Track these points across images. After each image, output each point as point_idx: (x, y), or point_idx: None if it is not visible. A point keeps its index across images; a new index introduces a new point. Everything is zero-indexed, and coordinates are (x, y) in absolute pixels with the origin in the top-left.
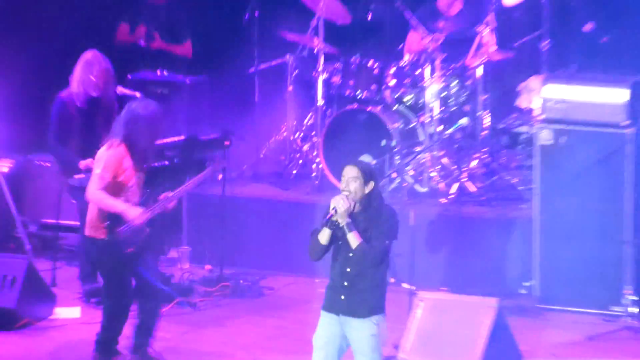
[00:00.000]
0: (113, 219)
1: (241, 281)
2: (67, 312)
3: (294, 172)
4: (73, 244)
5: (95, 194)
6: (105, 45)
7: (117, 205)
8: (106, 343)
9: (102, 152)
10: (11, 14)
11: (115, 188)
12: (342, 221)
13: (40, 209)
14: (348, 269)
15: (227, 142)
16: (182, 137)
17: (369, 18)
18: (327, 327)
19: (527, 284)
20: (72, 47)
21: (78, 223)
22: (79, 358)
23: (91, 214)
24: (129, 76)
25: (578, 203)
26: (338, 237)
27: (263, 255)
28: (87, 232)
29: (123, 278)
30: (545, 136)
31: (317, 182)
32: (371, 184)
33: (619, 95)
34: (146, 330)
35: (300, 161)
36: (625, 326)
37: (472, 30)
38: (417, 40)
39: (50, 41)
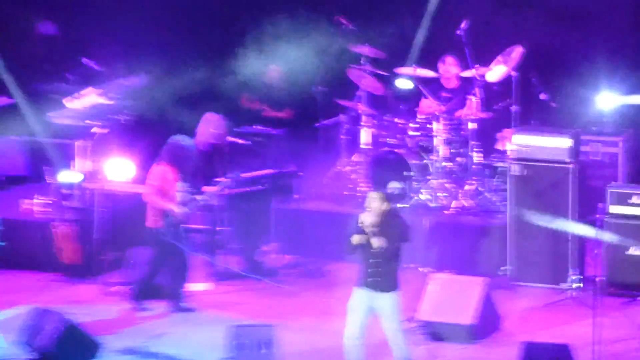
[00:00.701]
0: (164, 214)
1: (310, 267)
2: (198, 286)
3: (345, 193)
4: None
5: (149, 197)
6: (226, 106)
7: (165, 204)
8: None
9: (154, 168)
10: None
11: (163, 192)
12: (367, 229)
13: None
14: (372, 260)
15: (300, 173)
16: (271, 170)
17: (395, 90)
18: (358, 298)
19: (503, 268)
20: (201, 106)
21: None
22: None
23: (149, 211)
24: (237, 129)
25: (538, 213)
26: (366, 240)
27: (324, 248)
28: (147, 223)
29: (164, 253)
30: (515, 169)
31: (360, 200)
32: (388, 204)
33: (564, 141)
34: (180, 289)
35: (350, 186)
36: (570, 297)
37: (465, 98)
38: (428, 105)
39: (187, 104)
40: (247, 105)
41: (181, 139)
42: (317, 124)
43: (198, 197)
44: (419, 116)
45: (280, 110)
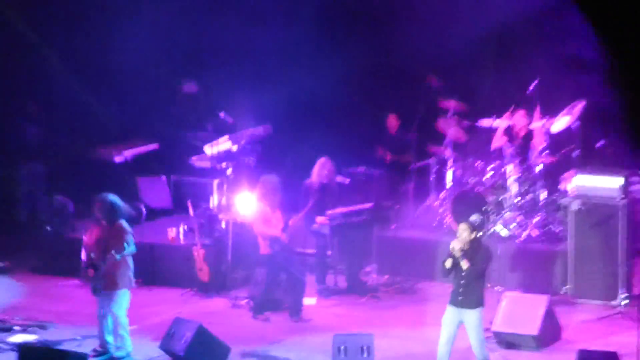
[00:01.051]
0: (273, 240)
1: (404, 285)
2: (307, 300)
3: (434, 223)
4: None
5: (255, 228)
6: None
7: (268, 232)
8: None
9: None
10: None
11: (266, 222)
12: (457, 254)
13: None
14: (462, 282)
15: (397, 206)
16: (371, 204)
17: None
18: (451, 313)
19: (565, 287)
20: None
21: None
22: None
23: (259, 240)
24: (345, 169)
25: (594, 242)
26: (456, 263)
27: (418, 268)
28: (261, 250)
29: (277, 272)
30: (575, 205)
31: (445, 229)
32: (475, 233)
33: (616, 181)
34: (296, 302)
35: (438, 218)
36: (619, 312)
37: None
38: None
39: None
40: (380, 154)
41: (268, 177)
42: (411, 166)
43: (314, 226)
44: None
45: (402, 154)
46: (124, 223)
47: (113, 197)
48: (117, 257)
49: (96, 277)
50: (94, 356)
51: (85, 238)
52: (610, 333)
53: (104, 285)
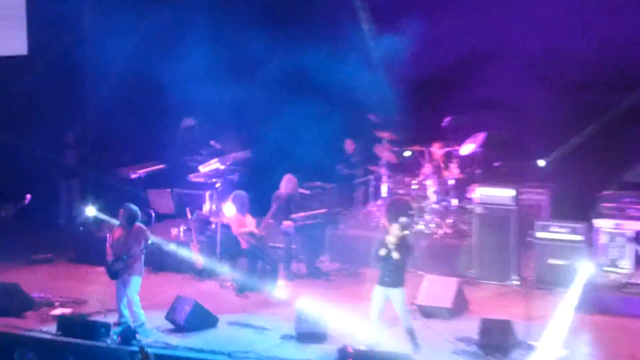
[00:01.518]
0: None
1: (350, 270)
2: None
3: (372, 224)
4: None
5: (234, 230)
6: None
7: (244, 231)
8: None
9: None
10: None
11: (241, 225)
12: (391, 247)
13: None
14: (390, 267)
15: (345, 211)
16: (325, 210)
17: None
18: (380, 291)
19: (471, 271)
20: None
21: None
22: None
23: (239, 238)
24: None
25: (492, 238)
26: (388, 253)
27: (359, 258)
28: (242, 246)
29: (255, 262)
30: (478, 210)
31: (381, 229)
32: (403, 231)
33: (510, 192)
34: (269, 284)
35: (375, 219)
36: (512, 290)
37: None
38: (427, 169)
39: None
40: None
41: (238, 192)
42: (355, 181)
43: (282, 227)
44: (420, 176)
45: (355, 170)
46: (141, 224)
47: (132, 206)
48: (150, 242)
49: (117, 267)
50: (116, 324)
51: (109, 237)
52: (505, 306)
53: (122, 273)
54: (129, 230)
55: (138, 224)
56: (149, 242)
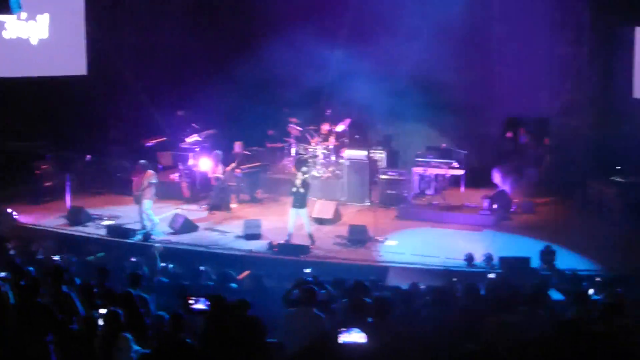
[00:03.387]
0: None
1: (278, 198)
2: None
3: (287, 172)
4: None
5: (209, 173)
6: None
7: (214, 174)
8: None
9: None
10: None
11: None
12: (298, 184)
13: None
14: (298, 196)
15: (268, 164)
16: (259, 164)
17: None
18: (293, 211)
19: (343, 197)
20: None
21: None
22: None
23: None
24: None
25: (354, 178)
26: (296, 188)
27: (280, 191)
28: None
29: (219, 193)
30: (347, 163)
31: (291, 173)
32: (304, 175)
33: (364, 152)
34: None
35: (288, 169)
36: (367, 208)
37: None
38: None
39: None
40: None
41: (215, 151)
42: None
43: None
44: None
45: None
46: (151, 171)
47: (143, 161)
48: (152, 181)
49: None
50: (140, 229)
51: (134, 178)
52: (362, 217)
53: (140, 198)
54: (143, 173)
55: (149, 170)
56: (153, 181)
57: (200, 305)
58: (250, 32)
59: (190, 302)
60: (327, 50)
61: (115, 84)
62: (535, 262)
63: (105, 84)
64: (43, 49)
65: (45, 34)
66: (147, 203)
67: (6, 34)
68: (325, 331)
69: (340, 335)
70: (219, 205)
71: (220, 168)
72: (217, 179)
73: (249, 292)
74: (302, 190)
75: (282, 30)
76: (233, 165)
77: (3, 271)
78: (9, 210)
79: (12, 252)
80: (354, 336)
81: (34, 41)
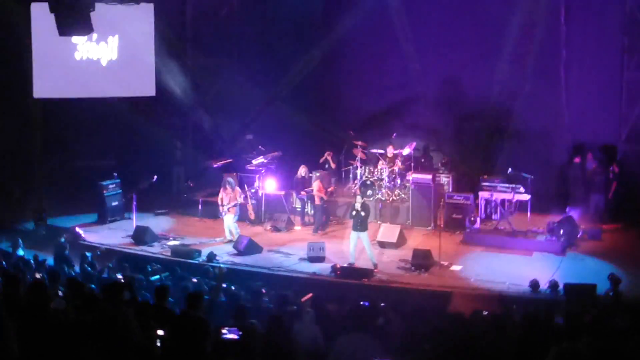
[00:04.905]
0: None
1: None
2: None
3: (352, 194)
4: None
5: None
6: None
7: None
8: None
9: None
10: None
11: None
12: (358, 207)
13: None
14: (359, 219)
15: (334, 188)
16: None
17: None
18: (354, 234)
19: (408, 221)
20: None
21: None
22: None
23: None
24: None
25: (419, 202)
26: (357, 211)
27: (345, 214)
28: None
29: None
30: (412, 186)
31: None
32: (365, 199)
33: (429, 176)
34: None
35: (354, 192)
36: (432, 232)
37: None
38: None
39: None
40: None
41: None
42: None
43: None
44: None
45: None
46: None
47: (232, 178)
48: (240, 201)
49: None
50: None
51: (223, 193)
52: (427, 241)
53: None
54: (232, 189)
55: (238, 188)
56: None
57: (231, 335)
58: (315, 56)
59: (223, 331)
60: (394, 73)
61: (183, 106)
62: (601, 290)
63: (172, 105)
64: (113, 70)
65: (115, 56)
66: (234, 217)
67: (77, 55)
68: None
69: None
70: (282, 227)
71: (323, 189)
72: (322, 199)
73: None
74: (362, 213)
75: (347, 53)
76: (333, 187)
77: (64, 288)
78: (77, 230)
79: (77, 269)
80: None
81: (104, 62)
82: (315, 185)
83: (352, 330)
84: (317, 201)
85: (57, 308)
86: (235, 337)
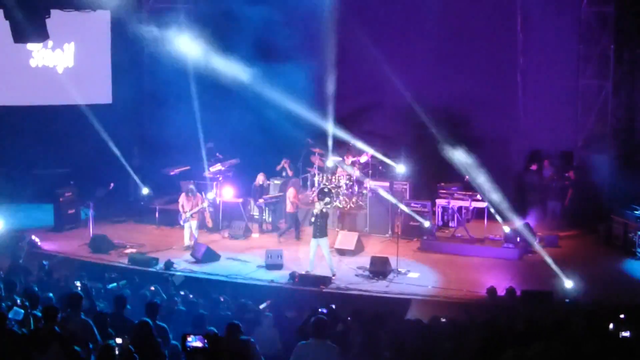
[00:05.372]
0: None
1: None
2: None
3: (310, 201)
4: None
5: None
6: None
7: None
8: None
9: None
10: None
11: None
12: (317, 213)
13: None
14: (318, 226)
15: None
16: (281, 193)
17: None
18: (313, 241)
19: (366, 228)
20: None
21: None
22: None
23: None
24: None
25: (377, 209)
26: (315, 218)
27: (302, 220)
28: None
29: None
30: (370, 194)
31: (313, 203)
32: (324, 206)
33: (386, 184)
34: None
35: (311, 199)
36: (389, 239)
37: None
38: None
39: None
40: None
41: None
42: (301, 176)
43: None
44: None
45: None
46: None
47: (192, 186)
48: (205, 206)
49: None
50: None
51: (184, 200)
52: (385, 248)
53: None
54: (194, 196)
55: (199, 195)
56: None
57: (197, 343)
58: (273, 63)
59: (189, 339)
60: (350, 80)
61: (139, 113)
62: (557, 296)
63: (129, 112)
64: (69, 78)
65: (71, 63)
66: (196, 224)
67: (33, 62)
68: None
69: None
70: (240, 234)
71: (298, 197)
72: (296, 206)
73: (268, 322)
74: (320, 220)
75: (304, 58)
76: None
77: (21, 298)
78: (32, 237)
79: (31, 279)
80: None
81: (60, 69)
82: (290, 192)
83: (311, 337)
84: (290, 208)
85: (14, 319)
86: (201, 344)
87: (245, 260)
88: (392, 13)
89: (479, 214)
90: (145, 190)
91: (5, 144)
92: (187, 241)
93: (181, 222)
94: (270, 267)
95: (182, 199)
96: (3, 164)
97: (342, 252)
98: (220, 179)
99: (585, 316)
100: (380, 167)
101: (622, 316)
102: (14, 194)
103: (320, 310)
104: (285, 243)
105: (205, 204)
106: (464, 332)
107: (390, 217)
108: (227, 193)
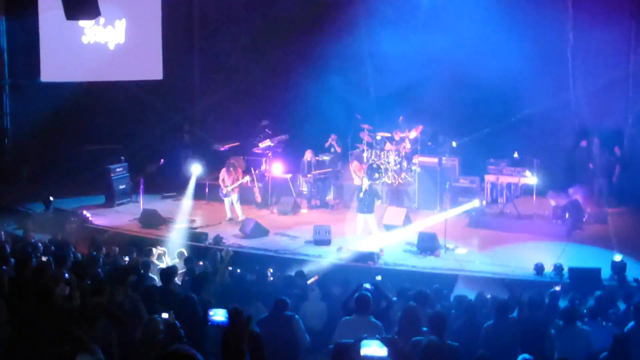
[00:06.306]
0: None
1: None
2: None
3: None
4: None
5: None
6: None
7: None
8: None
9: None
10: None
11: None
12: (365, 189)
13: None
14: (365, 202)
15: (341, 169)
16: (330, 169)
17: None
18: (360, 217)
19: (414, 204)
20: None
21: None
22: None
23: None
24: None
25: (425, 185)
26: (363, 194)
27: (350, 196)
28: None
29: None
30: (418, 168)
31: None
32: (371, 182)
33: (435, 160)
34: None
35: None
36: (437, 214)
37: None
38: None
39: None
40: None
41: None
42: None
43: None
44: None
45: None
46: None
47: (234, 161)
48: (246, 180)
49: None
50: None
51: (225, 175)
52: (431, 224)
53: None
54: (236, 171)
55: (240, 169)
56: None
57: (219, 317)
58: (321, 39)
59: (210, 313)
60: (400, 57)
61: (191, 89)
62: (606, 274)
63: (180, 88)
64: (120, 54)
65: (122, 39)
66: (236, 197)
67: (85, 39)
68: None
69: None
70: (289, 210)
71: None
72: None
73: (314, 298)
74: (369, 196)
75: (354, 37)
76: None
77: (69, 272)
78: (83, 212)
79: (79, 254)
80: (374, 349)
81: (111, 46)
82: (355, 165)
83: (355, 313)
84: (358, 182)
85: (60, 294)
86: (224, 319)
87: (293, 235)
88: None
89: (527, 190)
90: (196, 167)
91: (57, 120)
92: (228, 214)
93: (222, 196)
94: (318, 242)
95: (223, 173)
96: (58, 140)
97: (389, 228)
98: (270, 154)
99: (632, 296)
100: (429, 143)
101: None
102: (67, 169)
103: (365, 285)
104: (333, 219)
105: (247, 178)
106: (509, 309)
107: (439, 193)
108: (276, 169)
